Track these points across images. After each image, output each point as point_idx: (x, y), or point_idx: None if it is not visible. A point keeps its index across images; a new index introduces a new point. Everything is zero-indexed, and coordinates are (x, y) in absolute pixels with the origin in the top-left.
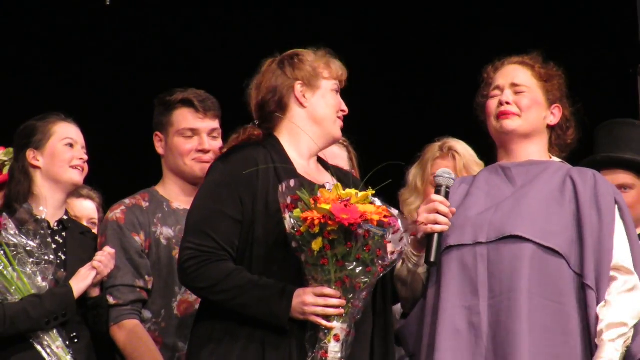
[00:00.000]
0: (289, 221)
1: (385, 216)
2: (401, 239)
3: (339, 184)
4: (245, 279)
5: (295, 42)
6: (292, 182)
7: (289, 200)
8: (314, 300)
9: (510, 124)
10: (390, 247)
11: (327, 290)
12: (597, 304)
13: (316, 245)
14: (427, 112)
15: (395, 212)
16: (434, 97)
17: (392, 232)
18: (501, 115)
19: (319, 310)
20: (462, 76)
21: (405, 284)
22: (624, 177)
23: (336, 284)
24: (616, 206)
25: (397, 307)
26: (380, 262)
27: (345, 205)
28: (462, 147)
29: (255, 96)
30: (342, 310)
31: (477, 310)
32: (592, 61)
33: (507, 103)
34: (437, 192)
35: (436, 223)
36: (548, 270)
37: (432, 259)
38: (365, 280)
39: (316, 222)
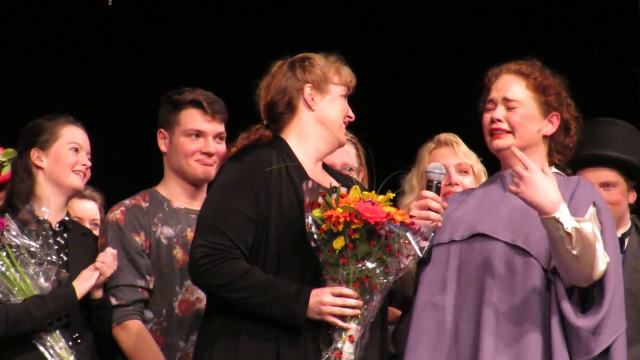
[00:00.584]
0: (309, 221)
1: (410, 216)
2: (417, 242)
3: (357, 186)
4: (262, 278)
5: (297, 43)
6: (310, 183)
7: (307, 200)
8: (332, 300)
9: (501, 143)
10: (405, 251)
11: (346, 290)
12: (559, 299)
13: (337, 244)
14: (432, 114)
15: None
16: (439, 97)
17: (412, 234)
18: (493, 133)
19: (336, 310)
20: (466, 77)
21: None
22: (608, 175)
23: (354, 284)
24: (595, 208)
25: None
26: (396, 265)
27: (373, 204)
28: (457, 138)
29: (265, 96)
30: (358, 311)
31: (442, 306)
32: (594, 61)
33: (499, 120)
34: (429, 187)
35: (428, 219)
36: (514, 268)
37: (424, 255)
38: (383, 281)
39: (341, 219)
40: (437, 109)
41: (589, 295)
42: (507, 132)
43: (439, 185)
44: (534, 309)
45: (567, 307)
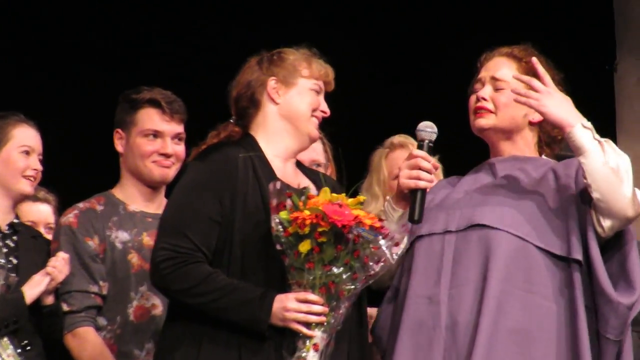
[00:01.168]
0: (275, 222)
1: (379, 220)
2: (389, 247)
3: (327, 188)
4: (224, 282)
5: (279, 39)
6: (278, 184)
7: (275, 202)
8: (297, 306)
9: (483, 122)
10: (376, 257)
11: (311, 296)
12: (596, 273)
13: (304, 247)
14: (402, 112)
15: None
16: (417, 93)
17: (382, 239)
18: (477, 112)
19: (301, 316)
20: (439, 77)
21: None
22: None
23: (320, 290)
24: None
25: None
26: (364, 271)
27: (340, 206)
28: (410, 139)
29: (232, 92)
30: (324, 319)
31: (436, 299)
32: (568, 58)
33: (484, 99)
34: (420, 147)
35: (419, 179)
36: (517, 259)
37: (416, 217)
38: (351, 287)
39: (307, 222)
40: (407, 107)
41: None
42: (491, 112)
43: (430, 144)
44: (540, 301)
45: (606, 282)
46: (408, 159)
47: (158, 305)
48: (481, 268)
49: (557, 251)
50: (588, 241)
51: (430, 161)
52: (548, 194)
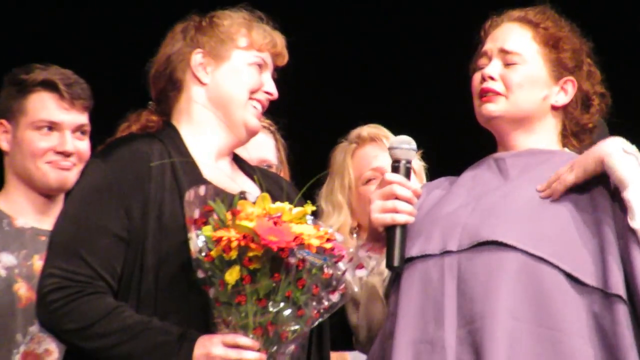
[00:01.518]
0: (195, 242)
1: (328, 240)
2: (348, 270)
3: (266, 194)
4: (131, 320)
5: None
6: (202, 190)
7: (197, 213)
8: (223, 352)
9: (491, 108)
10: (332, 285)
11: (242, 340)
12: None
13: (231, 276)
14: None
15: (339, 237)
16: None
17: (335, 263)
18: (483, 95)
19: None
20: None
21: (356, 303)
22: None
23: (255, 331)
24: None
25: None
26: (315, 304)
27: (275, 224)
28: (384, 130)
29: (151, 69)
30: None
31: (441, 345)
32: (593, 21)
33: (491, 78)
34: (395, 169)
35: (396, 212)
36: (540, 288)
37: (396, 263)
38: (295, 328)
39: (233, 244)
40: (379, 92)
41: None
42: (502, 94)
43: (408, 165)
44: (570, 342)
45: None
46: (380, 186)
47: (53, 351)
48: (492, 300)
49: (589, 280)
50: (633, 267)
51: (409, 188)
52: (578, 201)
